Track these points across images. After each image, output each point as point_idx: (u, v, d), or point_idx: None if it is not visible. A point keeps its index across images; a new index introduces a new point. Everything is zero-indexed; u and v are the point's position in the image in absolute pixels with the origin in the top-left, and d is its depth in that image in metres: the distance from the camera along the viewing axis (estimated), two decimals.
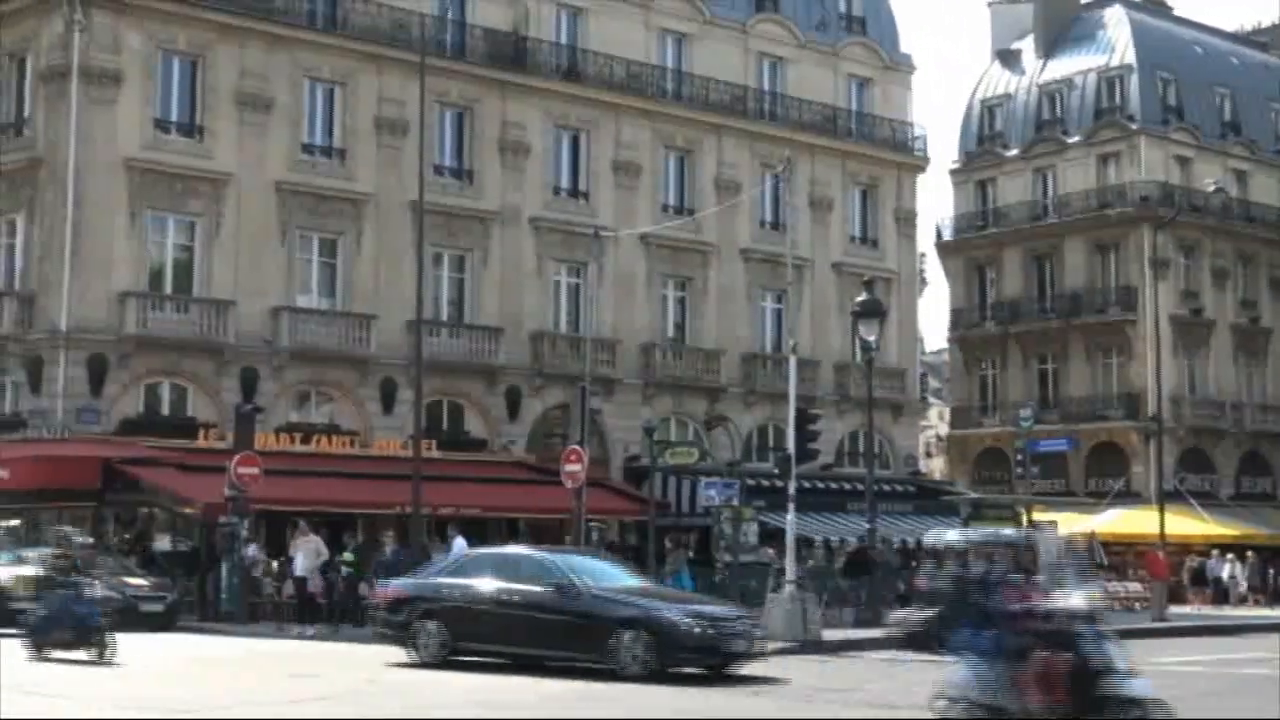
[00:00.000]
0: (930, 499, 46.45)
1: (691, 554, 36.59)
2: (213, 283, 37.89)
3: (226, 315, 37.48)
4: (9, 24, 38.57)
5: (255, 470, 30.58)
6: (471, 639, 20.60)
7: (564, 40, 44.97)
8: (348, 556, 31.92)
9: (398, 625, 21.19)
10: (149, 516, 36.11)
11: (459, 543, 30.63)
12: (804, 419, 29.73)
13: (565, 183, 44.64)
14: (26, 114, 38.35)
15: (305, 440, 38.20)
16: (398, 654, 21.09)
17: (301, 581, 30.87)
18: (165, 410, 37.68)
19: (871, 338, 30.88)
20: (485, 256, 42.33)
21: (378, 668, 20.23)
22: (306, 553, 31.02)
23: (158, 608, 29.06)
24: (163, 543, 35.65)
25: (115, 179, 36.80)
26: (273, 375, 38.26)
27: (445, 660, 20.45)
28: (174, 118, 38.20)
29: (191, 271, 38.01)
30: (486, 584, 20.71)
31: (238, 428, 32.27)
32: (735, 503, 35.06)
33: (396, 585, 22.21)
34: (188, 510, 33.90)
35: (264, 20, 39.00)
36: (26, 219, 37.66)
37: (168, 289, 37.75)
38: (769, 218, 48.48)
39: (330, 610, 30.60)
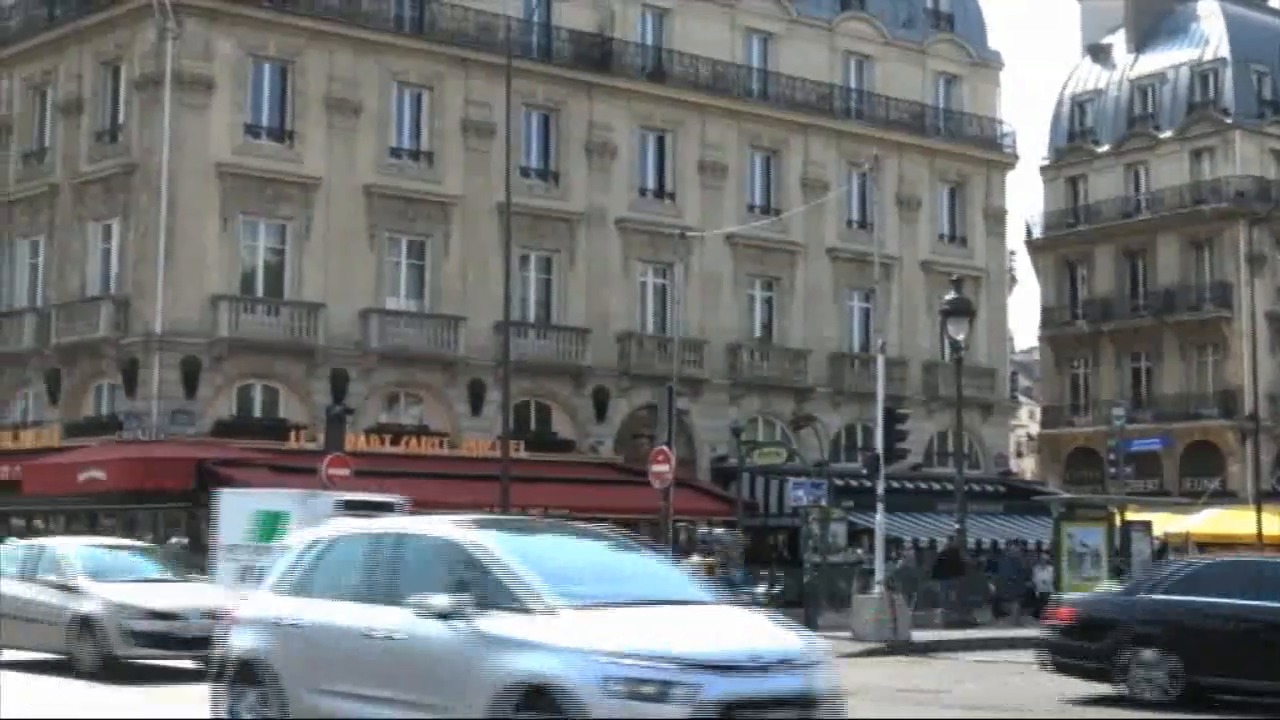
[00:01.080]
0: (1021, 499, 45.99)
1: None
2: (303, 285, 38.29)
3: (317, 318, 37.85)
4: (104, 33, 39.22)
5: (346, 471, 30.79)
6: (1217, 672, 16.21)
7: (649, 41, 45.01)
8: None
9: (1093, 654, 16.97)
10: None
11: None
12: (892, 419, 29.54)
13: (651, 183, 44.65)
14: (121, 121, 38.97)
15: (395, 441, 38.51)
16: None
17: None
18: (257, 412, 38.13)
19: (960, 337, 30.65)
20: (572, 258, 42.44)
21: None
22: None
23: None
24: None
25: (207, 184, 37.29)
26: (362, 377, 38.59)
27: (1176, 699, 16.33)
28: (264, 123, 38.64)
29: (282, 275, 38.43)
30: (1239, 604, 16.27)
31: (328, 429, 32.54)
32: (823, 503, 34.91)
33: (1082, 602, 18.41)
34: None
35: (352, 25, 39.35)
36: (122, 224, 38.27)
37: (259, 292, 38.20)
38: (856, 217, 48.22)
39: None
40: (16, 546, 22.25)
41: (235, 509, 26.20)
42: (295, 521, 23.68)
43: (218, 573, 24.85)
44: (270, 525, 24.98)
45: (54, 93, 40.80)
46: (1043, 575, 37.61)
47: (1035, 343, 68.32)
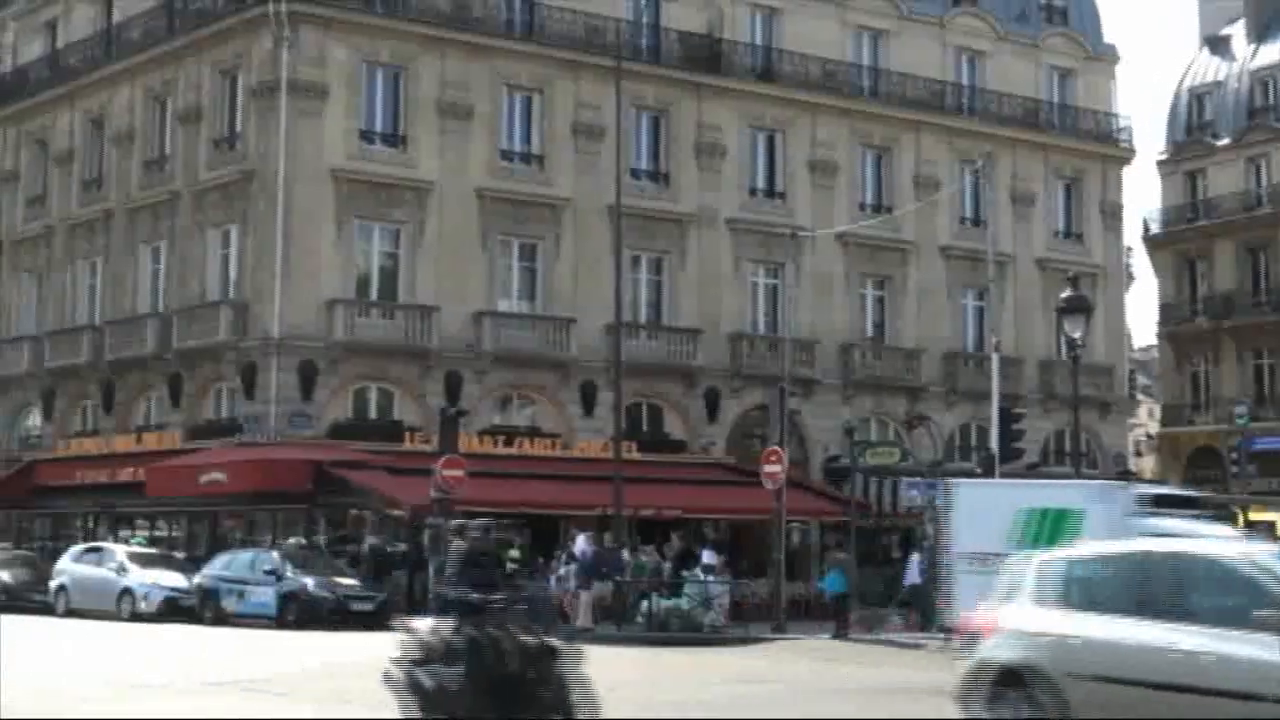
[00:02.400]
0: None
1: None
2: (417, 289, 38.67)
3: (430, 320, 38.22)
4: (221, 43, 39.93)
5: (460, 472, 31.06)
6: None
7: (759, 41, 44.89)
8: (514, 554, 32.47)
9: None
10: (358, 518, 36.96)
11: (581, 542, 30.94)
12: (1007, 418, 29.28)
13: (761, 183, 44.55)
14: (239, 129, 39.63)
15: (508, 442, 38.77)
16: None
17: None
18: (373, 414, 38.58)
19: (1077, 334, 30.19)
20: (682, 258, 42.46)
21: None
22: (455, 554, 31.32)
23: (368, 607, 29.75)
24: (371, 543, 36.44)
25: (323, 189, 37.80)
26: (476, 379, 38.89)
27: None
28: (378, 128, 39.10)
29: (396, 278, 38.85)
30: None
31: (442, 431, 32.82)
32: (938, 503, 34.60)
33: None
34: (395, 512, 34.61)
35: (464, 31, 39.69)
36: (240, 230, 38.92)
37: (374, 295, 38.65)
38: (969, 214, 47.76)
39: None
40: None
41: (984, 505, 22.65)
42: (1092, 521, 20.29)
43: (954, 588, 21.40)
44: (1051, 526, 21.19)
45: (174, 102, 41.61)
46: None
47: (1154, 340, 67.28)
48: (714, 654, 25.11)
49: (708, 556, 31.51)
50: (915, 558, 33.50)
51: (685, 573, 32.39)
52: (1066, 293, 30.50)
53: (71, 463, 42.39)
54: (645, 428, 41.36)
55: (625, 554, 31.84)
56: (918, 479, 37.26)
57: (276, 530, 37.39)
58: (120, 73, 43.35)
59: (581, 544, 30.81)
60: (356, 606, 29.54)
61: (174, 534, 40.31)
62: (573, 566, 30.19)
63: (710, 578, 30.58)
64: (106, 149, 44.06)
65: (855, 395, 44.43)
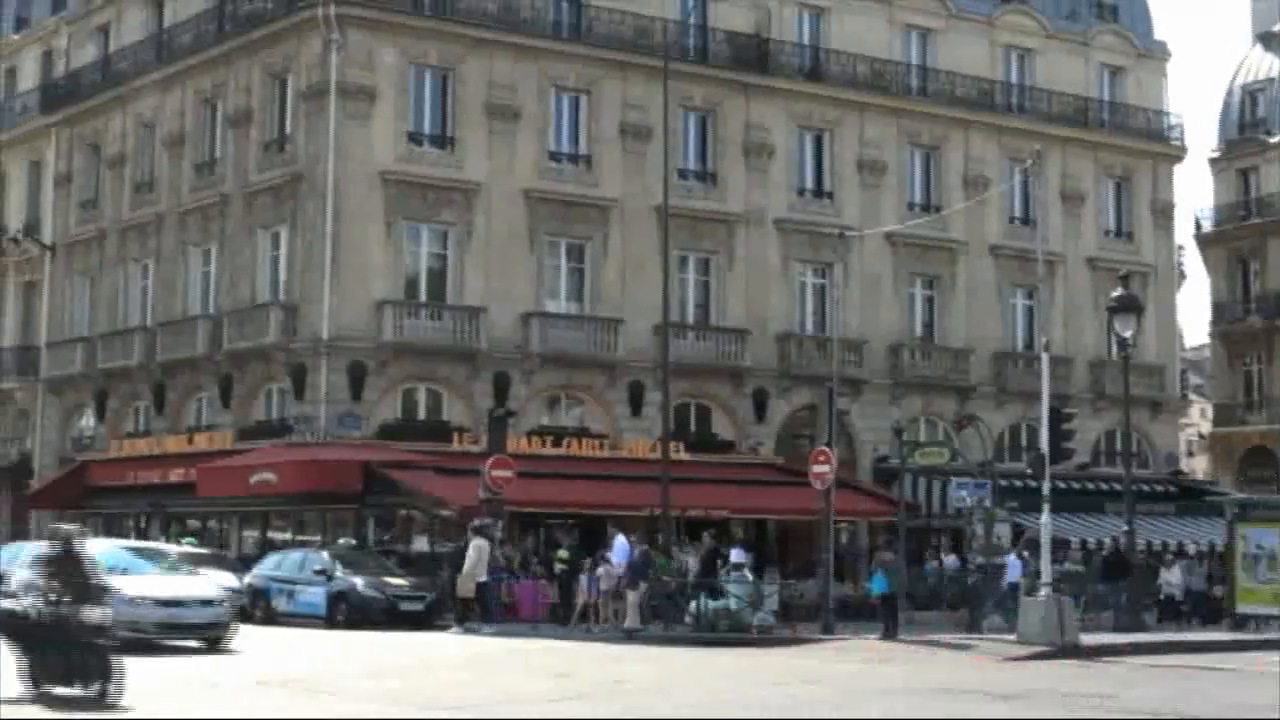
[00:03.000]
0: (1193, 500, 44.89)
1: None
2: (465, 290, 38.79)
3: (478, 321, 38.33)
4: (271, 46, 40.17)
5: (508, 473, 31.14)
6: None
7: (806, 40, 44.80)
8: (563, 554, 32.46)
9: None
10: (407, 518, 37.13)
11: (620, 542, 30.92)
12: (1058, 418, 29.02)
13: (809, 183, 44.45)
14: (288, 131, 39.87)
15: (556, 443, 38.84)
16: None
17: (482, 584, 30.61)
18: (421, 415, 38.72)
19: (1128, 334, 30.02)
20: (730, 259, 42.42)
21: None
22: (472, 555, 31.31)
23: (418, 607, 29.86)
24: (420, 543, 36.61)
25: (372, 191, 37.98)
26: (523, 379, 38.98)
27: None
28: (426, 130, 39.25)
29: (444, 279, 38.98)
30: None
31: (491, 431, 32.93)
32: (987, 504, 34.47)
33: None
34: (444, 512, 34.74)
35: (512, 32, 39.79)
36: (290, 232, 39.15)
37: (422, 297, 38.79)
38: (1018, 213, 47.51)
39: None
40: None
41: None
42: None
43: None
44: None
45: (224, 105, 41.90)
46: (1169, 577, 36.75)
47: (1206, 339, 66.70)
48: (763, 654, 25.06)
49: (736, 556, 31.41)
50: (1012, 558, 33.40)
51: (728, 573, 32.22)
52: (1117, 292, 30.34)
53: (124, 463, 42.80)
54: (693, 428, 41.34)
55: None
56: (967, 479, 37.10)
57: (326, 530, 37.60)
58: (171, 76, 43.69)
59: (621, 543, 30.79)
60: (406, 606, 29.63)
61: (224, 533, 40.61)
62: (607, 567, 30.15)
63: (739, 575, 30.46)
64: (158, 152, 44.42)
65: (904, 395, 44.27)
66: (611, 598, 29.99)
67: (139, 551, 25.62)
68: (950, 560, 37.99)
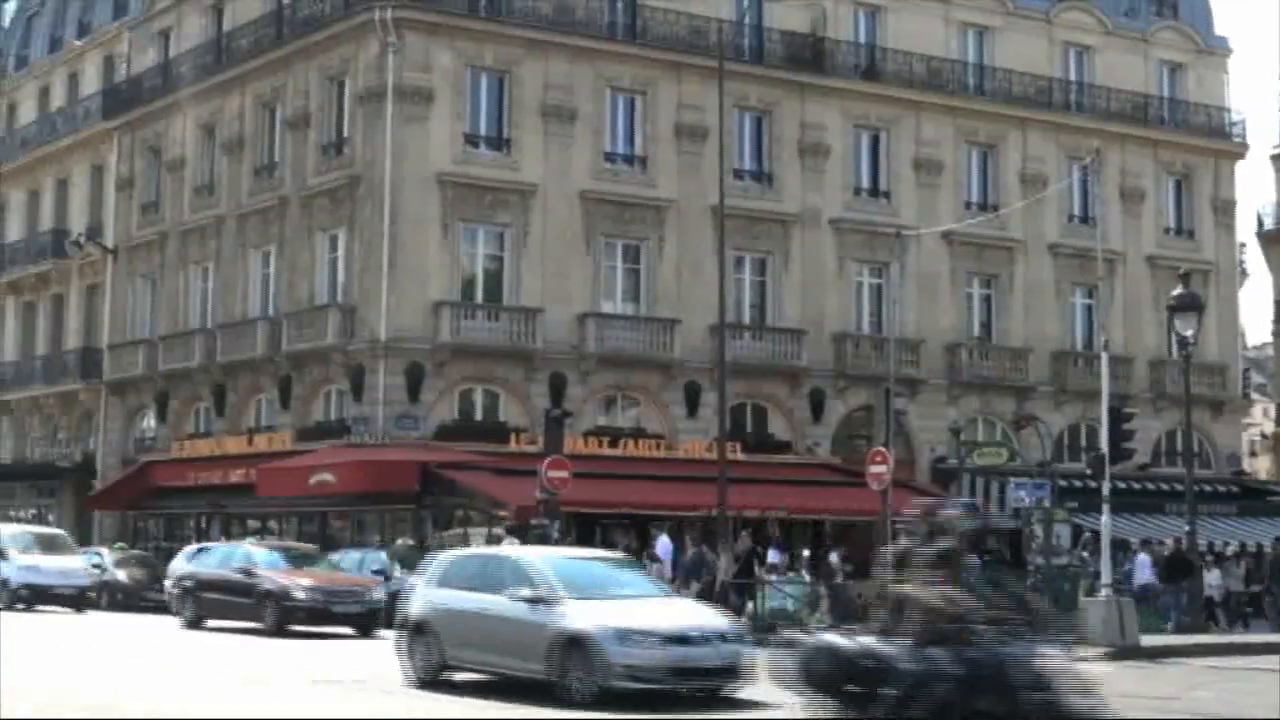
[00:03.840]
0: (1256, 500, 44.41)
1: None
2: (521, 291, 38.89)
3: (535, 322, 38.42)
4: (329, 49, 40.43)
5: (565, 473, 31.16)
6: None
7: (862, 39, 44.64)
8: (619, 555, 32.34)
9: None
10: (464, 518, 37.25)
11: (664, 541, 30.81)
12: (1118, 417, 28.80)
13: (865, 182, 44.29)
14: (346, 134, 40.12)
15: (612, 444, 38.89)
16: None
17: None
18: (478, 415, 38.86)
19: (1189, 333, 29.72)
20: (786, 259, 42.33)
21: None
22: None
23: None
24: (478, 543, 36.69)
25: (429, 193, 38.15)
26: (580, 380, 39.04)
27: None
28: (482, 132, 39.39)
29: (501, 280, 39.11)
30: None
31: (547, 432, 32.98)
32: (1047, 504, 34.21)
33: None
34: (501, 513, 34.82)
35: (567, 33, 39.86)
36: (348, 234, 39.38)
37: (479, 298, 38.92)
38: (1077, 211, 47.15)
39: None
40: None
41: None
42: None
43: None
44: None
45: (282, 108, 42.20)
46: (1210, 579, 36.29)
47: (1269, 338, 65.89)
48: None
49: (773, 555, 31.32)
50: (1143, 557, 33.04)
51: (766, 573, 32.06)
52: (1178, 290, 30.03)
53: (185, 464, 43.19)
54: (750, 428, 41.27)
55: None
56: (1026, 480, 36.85)
57: (384, 530, 37.78)
58: (230, 80, 44.05)
59: (664, 543, 30.79)
60: None
61: (283, 533, 40.87)
62: (657, 565, 30.15)
63: (775, 577, 30.34)
64: (217, 155, 44.80)
65: (962, 395, 44.04)
66: None
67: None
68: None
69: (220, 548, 31.19)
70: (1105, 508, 27.57)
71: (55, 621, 29.74)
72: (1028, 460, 40.68)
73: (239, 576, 27.59)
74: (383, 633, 24.69)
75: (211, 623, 27.87)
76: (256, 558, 28.22)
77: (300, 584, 26.88)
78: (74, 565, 34.20)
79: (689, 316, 39.75)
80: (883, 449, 30.98)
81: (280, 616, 26.57)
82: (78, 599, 33.47)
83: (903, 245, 41.08)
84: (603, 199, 40.02)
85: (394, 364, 37.44)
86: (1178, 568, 33.31)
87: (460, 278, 38.68)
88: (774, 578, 29.94)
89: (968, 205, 45.24)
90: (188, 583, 28.93)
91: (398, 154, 37.91)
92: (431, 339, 37.54)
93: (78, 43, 54.01)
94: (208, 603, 28.27)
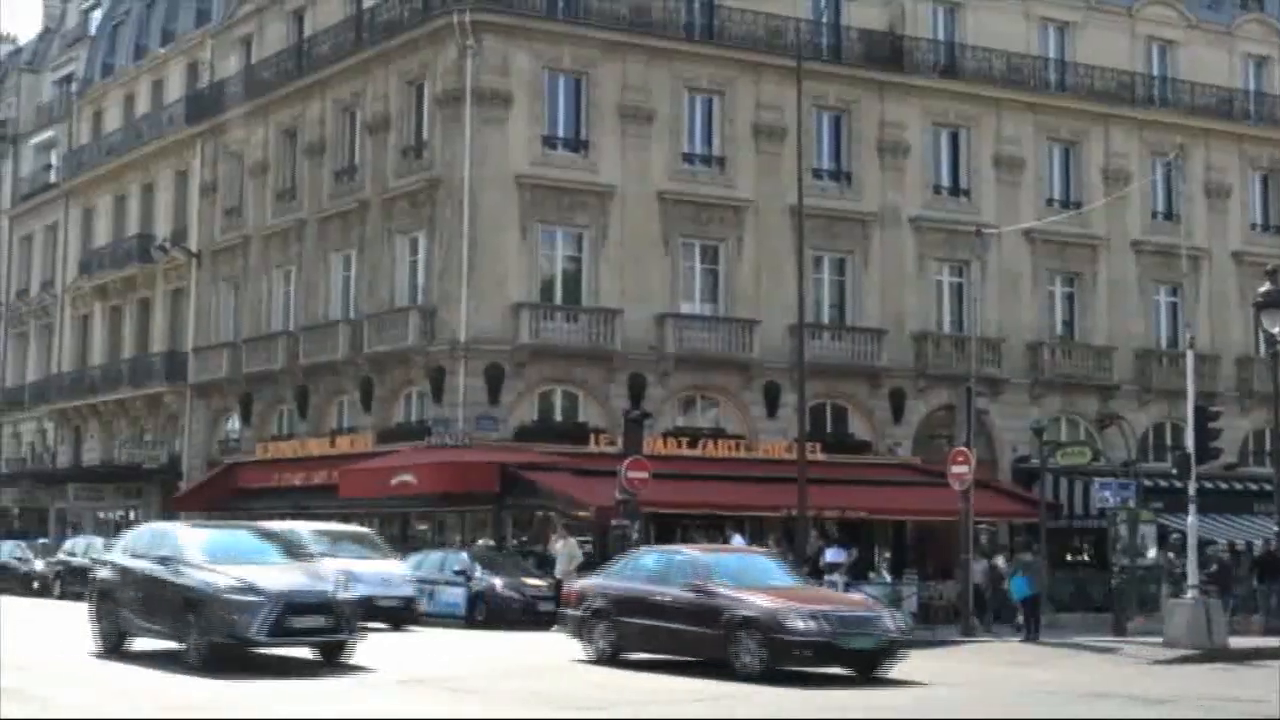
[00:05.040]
0: None
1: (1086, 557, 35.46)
2: (600, 292, 38.98)
3: (614, 323, 38.50)
4: (408, 53, 40.72)
5: (645, 474, 31.20)
6: None
7: (941, 37, 44.35)
8: None
9: None
10: (544, 519, 37.38)
11: (737, 541, 30.68)
12: (1204, 416, 28.47)
13: (945, 181, 44.00)
14: (425, 137, 40.38)
15: (692, 444, 38.89)
16: None
17: (559, 584, 30.60)
18: (558, 416, 38.98)
19: (1276, 330, 29.28)
20: (865, 258, 42.14)
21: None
22: (563, 555, 31.47)
23: (554, 607, 29.96)
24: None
25: (507, 195, 38.33)
26: (659, 381, 39.07)
27: None
28: (560, 134, 39.52)
29: (580, 282, 39.21)
30: None
31: (627, 433, 33.02)
32: (1131, 504, 33.84)
33: None
34: (581, 513, 34.92)
35: (644, 35, 39.91)
36: (427, 237, 39.64)
37: (558, 299, 39.04)
38: (1161, 207, 46.60)
39: None
40: None
41: None
42: None
43: None
44: None
45: (362, 112, 42.56)
46: None
47: None
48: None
49: (833, 555, 31.10)
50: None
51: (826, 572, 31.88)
52: (1265, 287, 29.59)
53: (269, 465, 43.67)
54: (829, 429, 41.11)
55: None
56: (1110, 480, 36.45)
57: (465, 531, 38.01)
58: (311, 86, 44.48)
59: (738, 543, 30.71)
60: (544, 607, 29.80)
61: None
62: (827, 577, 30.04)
63: (834, 577, 30.15)
64: (298, 160, 45.25)
65: (1044, 394, 43.64)
66: None
67: None
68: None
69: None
70: (1191, 508, 27.25)
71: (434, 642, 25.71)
72: (1112, 460, 40.26)
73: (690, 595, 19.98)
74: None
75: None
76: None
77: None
78: (394, 570, 28.48)
79: (768, 317, 39.66)
80: (964, 449, 30.78)
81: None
82: (400, 613, 27.37)
83: (983, 243, 40.77)
84: (681, 199, 40.02)
85: (474, 365, 37.64)
86: (1268, 569, 32.88)
87: (539, 279, 38.82)
88: (833, 578, 29.75)
89: (1049, 203, 44.84)
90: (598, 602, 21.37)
91: (476, 157, 38.11)
92: (511, 340, 37.71)
93: (162, 51, 54.78)
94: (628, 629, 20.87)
